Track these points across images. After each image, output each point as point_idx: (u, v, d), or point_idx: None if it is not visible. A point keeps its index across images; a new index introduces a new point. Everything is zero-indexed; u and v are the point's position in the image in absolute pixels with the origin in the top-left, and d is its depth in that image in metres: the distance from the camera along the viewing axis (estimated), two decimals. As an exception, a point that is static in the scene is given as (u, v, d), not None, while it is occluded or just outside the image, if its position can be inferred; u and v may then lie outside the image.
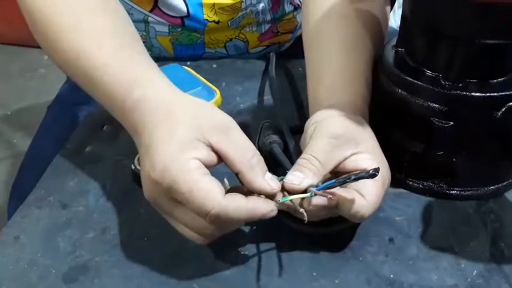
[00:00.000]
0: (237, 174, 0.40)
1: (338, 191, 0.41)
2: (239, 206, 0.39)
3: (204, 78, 0.64)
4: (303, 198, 0.41)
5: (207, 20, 0.70)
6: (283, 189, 0.41)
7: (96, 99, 0.48)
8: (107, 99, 0.46)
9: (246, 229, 0.47)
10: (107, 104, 0.47)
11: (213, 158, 0.40)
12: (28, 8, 0.50)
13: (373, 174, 0.39)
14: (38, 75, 1.97)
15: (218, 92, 0.62)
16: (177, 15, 0.70)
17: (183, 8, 0.69)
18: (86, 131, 0.61)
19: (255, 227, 0.47)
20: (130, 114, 0.43)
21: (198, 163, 0.38)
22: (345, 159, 0.42)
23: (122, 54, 0.47)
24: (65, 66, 0.49)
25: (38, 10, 0.50)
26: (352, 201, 0.40)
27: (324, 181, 0.42)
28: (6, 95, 1.90)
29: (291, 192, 0.41)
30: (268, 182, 0.40)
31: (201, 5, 0.69)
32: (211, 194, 0.38)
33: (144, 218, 0.48)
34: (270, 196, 0.41)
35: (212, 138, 0.39)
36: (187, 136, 0.39)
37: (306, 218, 0.40)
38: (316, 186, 0.41)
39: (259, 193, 0.40)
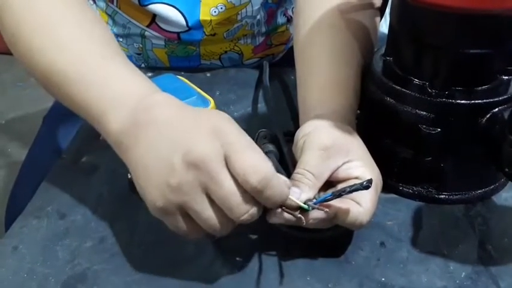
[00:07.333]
0: None
1: (334, 202, 0.42)
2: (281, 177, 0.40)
3: (198, 87, 0.65)
4: (301, 211, 0.42)
5: (204, 33, 0.71)
6: (280, 205, 0.41)
7: (84, 106, 0.46)
8: (114, 101, 0.44)
9: (241, 235, 0.48)
10: (103, 109, 0.45)
11: None
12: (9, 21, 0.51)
13: (366, 185, 0.40)
14: (31, 84, 1.97)
15: (212, 101, 0.63)
16: (176, 31, 0.71)
17: (183, 22, 0.70)
18: (82, 141, 0.61)
19: (250, 233, 0.48)
20: (142, 112, 0.42)
21: None
22: (337, 168, 0.44)
23: (121, 66, 0.47)
24: (49, 77, 0.48)
25: (23, 22, 0.50)
26: (349, 210, 0.41)
27: (319, 191, 0.43)
28: (-1, 104, 1.90)
29: (289, 208, 0.41)
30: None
31: (199, 20, 0.70)
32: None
33: (142, 226, 0.49)
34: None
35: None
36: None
37: (304, 223, 0.41)
38: (313, 199, 0.42)
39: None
